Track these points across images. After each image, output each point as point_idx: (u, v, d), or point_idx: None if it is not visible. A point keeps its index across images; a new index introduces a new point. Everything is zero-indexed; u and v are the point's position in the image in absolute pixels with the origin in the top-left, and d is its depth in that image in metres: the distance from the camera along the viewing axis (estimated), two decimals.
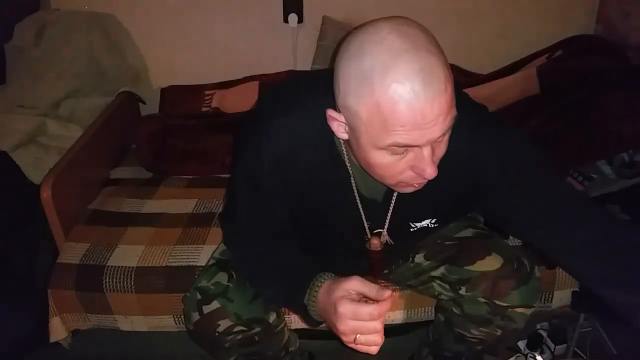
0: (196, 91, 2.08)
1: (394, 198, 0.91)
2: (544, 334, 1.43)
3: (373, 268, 1.06)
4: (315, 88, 0.85)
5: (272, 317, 1.08)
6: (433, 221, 0.96)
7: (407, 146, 0.71)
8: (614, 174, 1.53)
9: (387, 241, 0.98)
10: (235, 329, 1.01)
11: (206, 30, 2.03)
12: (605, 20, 1.99)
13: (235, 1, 1.99)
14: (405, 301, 1.35)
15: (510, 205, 0.89)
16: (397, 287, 1.31)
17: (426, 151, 0.72)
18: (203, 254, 1.38)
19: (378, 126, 0.70)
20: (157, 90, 2.09)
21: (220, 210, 1.55)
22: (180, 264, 1.37)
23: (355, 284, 0.79)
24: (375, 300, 0.78)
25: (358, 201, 0.92)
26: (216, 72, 2.07)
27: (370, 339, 0.78)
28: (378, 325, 0.77)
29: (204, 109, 2.04)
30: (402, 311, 1.37)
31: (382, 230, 0.97)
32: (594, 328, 1.28)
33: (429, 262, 1.10)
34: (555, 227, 0.88)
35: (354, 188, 0.90)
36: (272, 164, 0.86)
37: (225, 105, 2.01)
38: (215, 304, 1.00)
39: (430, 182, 0.82)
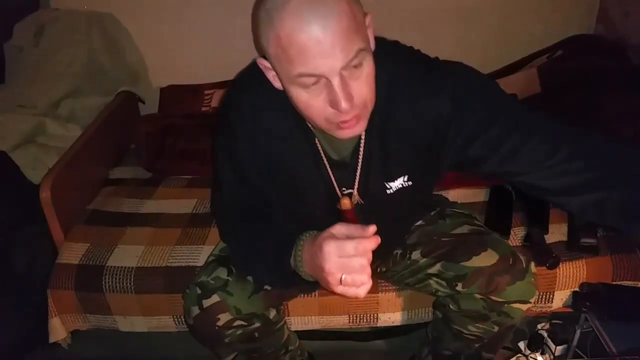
0: (196, 91, 2.07)
1: (360, 156, 0.92)
2: (545, 334, 1.42)
3: None
4: None
5: (272, 314, 1.09)
6: (406, 179, 0.96)
7: (312, 75, 0.73)
8: None
9: (358, 202, 0.98)
10: (235, 324, 1.01)
11: (206, 30, 2.02)
12: (606, 20, 1.99)
13: (235, 0, 1.99)
14: (405, 302, 1.35)
15: (476, 145, 0.88)
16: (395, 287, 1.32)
17: (335, 82, 0.73)
18: (203, 254, 1.37)
19: (283, 59, 0.74)
20: (157, 89, 2.09)
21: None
22: (180, 264, 1.37)
23: (339, 228, 0.80)
24: None
25: (326, 162, 0.94)
26: (216, 72, 2.06)
27: (357, 278, 0.77)
28: (364, 261, 0.77)
29: (203, 109, 2.03)
30: (402, 312, 1.37)
31: (352, 190, 0.98)
32: (595, 328, 1.27)
33: (425, 259, 1.10)
34: (526, 156, 0.86)
35: (320, 149, 0.93)
36: (242, 132, 0.92)
37: None
38: (215, 298, 1.00)
39: (391, 135, 0.89)
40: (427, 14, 2.00)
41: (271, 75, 0.83)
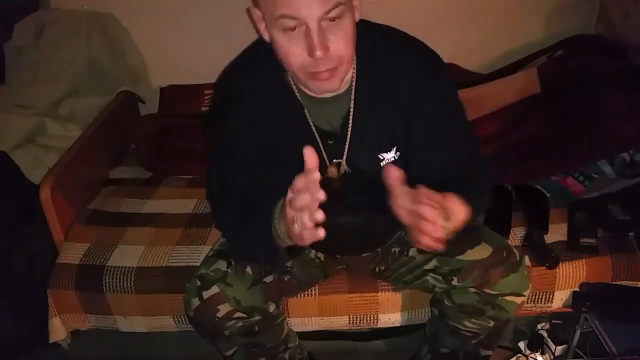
0: (196, 90, 2.07)
1: (350, 125, 0.95)
2: (545, 334, 1.42)
3: (336, 200, 1.04)
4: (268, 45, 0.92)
5: (272, 307, 1.10)
6: (394, 150, 0.98)
7: (292, 18, 0.79)
8: (615, 174, 1.53)
9: (346, 171, 1.00)
10: (235, 315, 1.02)
11: (206, 30, 2.02)
12: (606, 20, 1.99)
13: (236, 0, 1.99)
14: (405, 303, 1.35)
15: (422, 138, 0.97)
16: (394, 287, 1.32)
17: (313, 27, 0.79)
18: (203, 255, 1.37)
19: (268, 0, 0.81)
20: (157, 89, 2.09)
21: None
22: (180, 264, 1.37)
23: (297, 179, 0.77)
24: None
25: (314, 131, 0.97)
26: (216, 72, 2.04)
27: (305, 218, 0.74)
28: (309, 197, 0.73)
29: (203, 109, 2.03)
30: (402, 313, 1.37)
31: (341, 160, 0.99)
32: (595, 328, 1.27)
33: (421, 255, 1.12)
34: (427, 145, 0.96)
35: (308, 119, 0.96)
36: (232, 112, 0.97)
37: None
38: (214, 289, 1.01)
39: (379, 106, 0.94)
40: (427, 14, 2.00)
41: (262, 27, 0.88)
